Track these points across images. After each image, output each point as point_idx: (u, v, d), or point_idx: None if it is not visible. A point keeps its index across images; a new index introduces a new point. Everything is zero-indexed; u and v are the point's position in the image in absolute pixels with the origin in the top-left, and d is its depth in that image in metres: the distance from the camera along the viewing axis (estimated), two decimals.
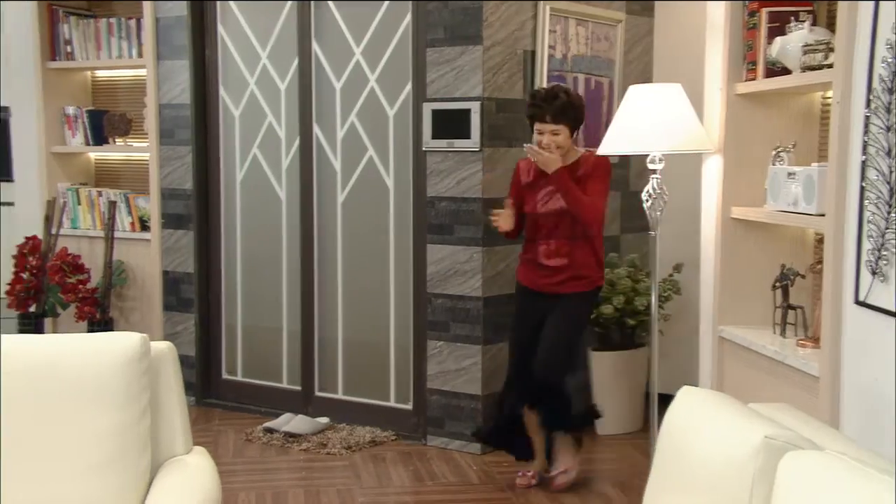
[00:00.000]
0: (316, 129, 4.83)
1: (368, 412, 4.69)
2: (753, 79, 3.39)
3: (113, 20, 5.41)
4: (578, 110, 3.73)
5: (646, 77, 5.00)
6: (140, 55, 5.28)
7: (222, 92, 5.10)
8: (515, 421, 3.87)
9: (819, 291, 3.02)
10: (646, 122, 3.53)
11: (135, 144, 5.50)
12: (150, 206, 5.26)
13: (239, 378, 5.16)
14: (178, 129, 5.13)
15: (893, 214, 2.37)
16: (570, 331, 3.82)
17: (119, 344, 2.21)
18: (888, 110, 2.40)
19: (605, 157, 3.75)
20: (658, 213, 3.60)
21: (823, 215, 2.85)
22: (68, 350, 2.23)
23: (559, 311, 3.77)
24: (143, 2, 5.13)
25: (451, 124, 4.29)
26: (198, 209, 5.13)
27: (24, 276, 5.41)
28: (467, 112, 4.25)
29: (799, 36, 3.12)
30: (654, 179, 3.58)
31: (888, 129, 2.40)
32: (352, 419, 4.69)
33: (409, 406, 4.59)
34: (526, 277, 3.88)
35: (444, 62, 4.32)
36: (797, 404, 2.22)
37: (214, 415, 4.99)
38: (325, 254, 4.85)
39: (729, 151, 3.50)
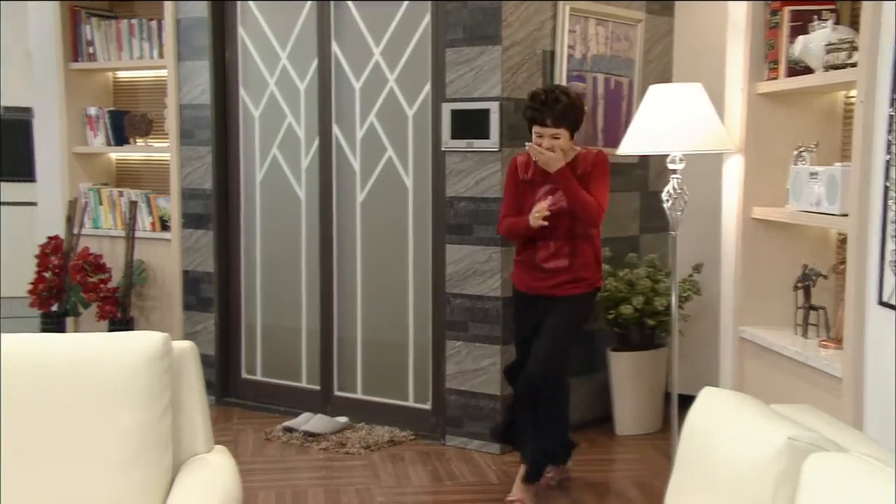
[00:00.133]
0: (335, 130, 4.84)
1: (387, 412, 4.69)
2: (775, 78, 3.37)
3: (134, 21, 5.45)
4: (579, 112, 3.59)
5: (665, 77, 4.98)
6: (161, 56, 5.31)
7: (242, 92, 5.13)
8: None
9: (842, 292, 3.00)
10: (666, 122, 3.52)
11: (155, 145, 5.53)
12: (171, 206, 5.29)
13: (258, 377, 5.18)
14: (198, 130, 5.16)
15: None
16: (567, 337, 3.67)
17: (141, 343, 2.22)
18: None
19: (603, 153, 3.64)
20: (678, 213, 3.58)
21: (846, 215, 2.82)
22: (92, 349, 2.24)
23: (557, 314, 3.61)
24: (165, 2, 5.16)
25: (470, 124, 4.29)
26: (218, 209, 5.15)
27: (47, 275, 5.46)
28: (486, 112, 4.25)
29: (822, 35, 3.10)
30: (675, 179, 3.56)
31: None
32: (370, 419, 4.70)
33: (428, 406, 4.59)
34: (522, 282, 3.74)
35: (463, 62, 4.32)
36: (819, 405, 2.20)
37: (234, 414, 5.02)
38: (345, 253, 4.86)
39: (750, 151, 3.48)
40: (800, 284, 3.26)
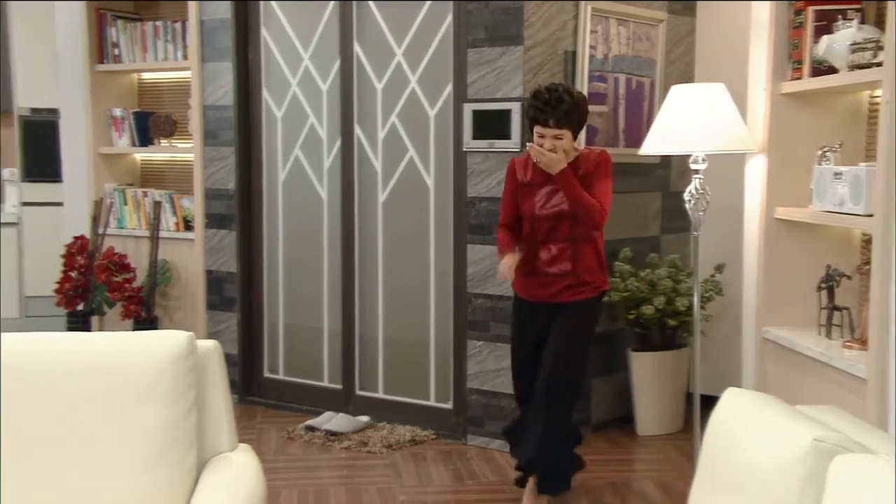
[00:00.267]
0: (357, 130, 4.86)
1: (408, 411, 4.71)
2: (799, 78, 3.35)
3: (159, 23, 5.49)
4: (583, 112, 3.46)
5: (687, 77, 4.96)
6: (185, 57, 5.36)
7: (265, 93, 5.16)
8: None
9: (866, 292, 2.98)
10: (689, 123, 3.51)
11: (179, 145, 5.58)
12: (194, 206, 5.34)
13: (280, 376, 5.21)
14: (221, 131, 5.20)
15: None
16: (576, 346, 3.51)
17: (167, 342, 2.24)
18: None
19: (606, 153, 3.52)
20: (700, 213, 3.57)
21: (871, 216, 2.81)
22: (117, 348, 2.26)
23: (563, 323, 3.47)
24: (189, 2, 5.20)
25: (491, 125, 4.30)
26: (241, 209, 5.19)
27: (73, 275, 5.52)
28: (508, 112, 4.25)
29: (847, 34, 3.08)
30: (697, 179, 3.55)
31: None
32: (392, 418, 4.72)
33: (449, 405, 4.60)
34: (523, 288, 3.58)
35: (484, 63, 4.33)
36: (843, 407, 2.19)
37: (257, 412, 5.05)
38: (366, 253, 4.88)
39: (773, 151, 3.46)
40: (823, 285, 3.24)
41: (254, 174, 5.21)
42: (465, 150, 4.43)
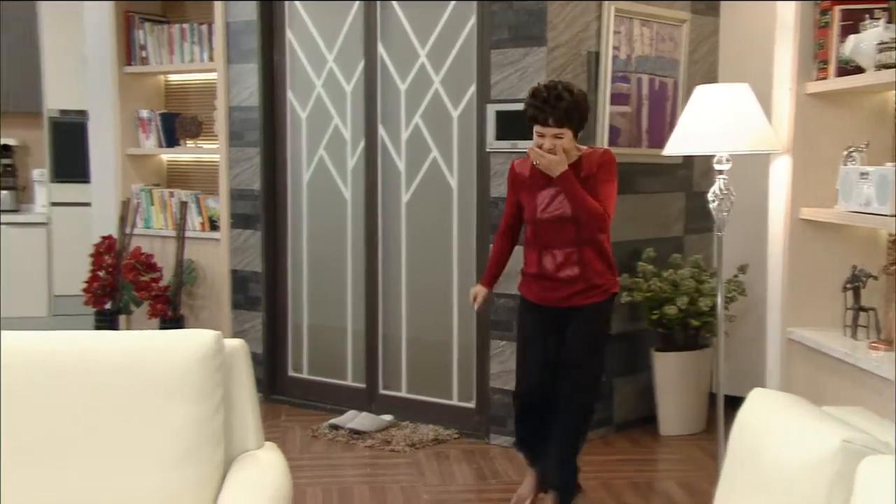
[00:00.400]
0: (381, 131, 4.88)
1: (432, 410, 4.73)
2: (824, 78, 3.33)
3: (185, 25, 5.55)
4: (584, 110, 3.35)
5: (710, 77, 4.94)
6: (211, 59, 5.41)
7: (290, 94, 5.20)
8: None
9: (892, 293, 2.97)
10: (713, 123, 3.50)
11: (205, 146, 5.63)
12: (220, 206, 5.38)
13: (305, 375, 5.25)
14: (246, 132, 5.24)
15: None
16: (593, 365, 3.46)
17: (194, 341, 2.26)
18: None
19: (610, 152, 3.46)
20: (724, 213, 3.56)
21: None
22: (145, 347, 2.28)
23: (576, 335, 3.41)
24: (215, 2, 5.25)
25: (514, 125, 4.30)
26: (265, 209, 5.23)
27: (101, 274, 5.59)
28: None
29: (874, 34, 3.07)
30: (721, 180, 3.54)
31: None
32: (415, 417, 4.74)
33: (472, 405, 4.62)
34: (532, 292, 3.49)
35: (508, 63, 4.34)
36: (869, 408, 2.18)
37: (281, 411, 5.09)
38: (390, 253, 4.91)
39: (798, 152, 3.45)
40: (849, 285, 3.22)
41: (278, 175, 5.25)
42: (488, 150, 4.44)
